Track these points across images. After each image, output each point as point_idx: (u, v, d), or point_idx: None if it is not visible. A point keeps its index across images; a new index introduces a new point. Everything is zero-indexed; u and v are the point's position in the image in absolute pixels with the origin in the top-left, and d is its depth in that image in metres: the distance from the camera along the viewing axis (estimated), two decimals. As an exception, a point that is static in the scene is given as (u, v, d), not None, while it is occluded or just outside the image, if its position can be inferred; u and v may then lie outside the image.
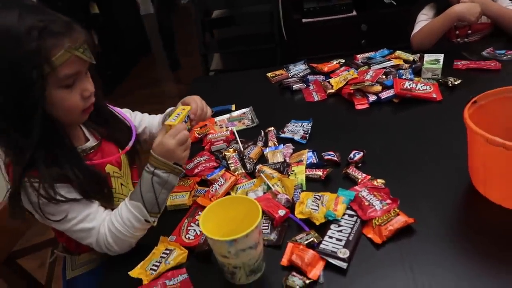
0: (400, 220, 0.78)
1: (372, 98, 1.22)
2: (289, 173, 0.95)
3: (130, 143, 0.93)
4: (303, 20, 2.38)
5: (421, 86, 1.20)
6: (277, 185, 0.91)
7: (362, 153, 0.98)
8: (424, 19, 1.56)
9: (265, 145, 1.10)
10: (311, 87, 1.36)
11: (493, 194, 0.80)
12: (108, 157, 0.90)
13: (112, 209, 0.84)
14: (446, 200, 0.84)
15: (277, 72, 1.52)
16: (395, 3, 2.34)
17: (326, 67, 1.44)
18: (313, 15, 2.35)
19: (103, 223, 0.81)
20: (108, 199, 0.86)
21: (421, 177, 0.92)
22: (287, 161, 1.01)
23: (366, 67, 1.39)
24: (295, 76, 1.45)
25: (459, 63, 1.35)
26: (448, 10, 1.42)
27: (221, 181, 0.95)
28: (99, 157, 0.90)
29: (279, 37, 2.52)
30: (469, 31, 1.54)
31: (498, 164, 0.75)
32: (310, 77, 1.41)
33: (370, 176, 0.91)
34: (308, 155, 1.01)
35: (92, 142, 0.90)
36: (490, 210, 0.80)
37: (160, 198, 0.81)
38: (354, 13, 2.36)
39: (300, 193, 0.89)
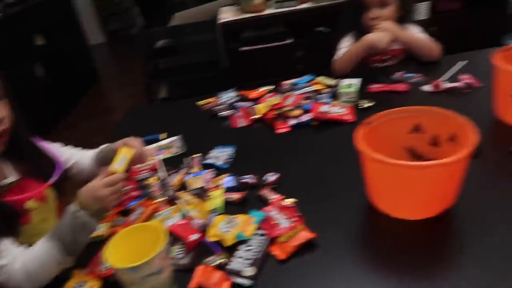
0: (303, 235, 0.83)
1: (292, 122, 1.30)
2: (207, 198, 1.00)
3: (53, 178, 0.94)
4: (242, 48, 2.49)
5: (337, 109, 1.30)
6: (193, 211, 0.94)
7: (277, 175, 1.04)
8: (345, 46, 1.68)
9: (189, 171, 1.14)
10: (238, 114, 1.42)
11: (384, 206, 0.88)
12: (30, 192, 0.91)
13: (30, 245, 0.84)
14: (349, 215, 0.91)
15: (210, 100, 1.58)
16: (326, 31, 2.50)
17: (253, 94, 1.52)
18: (251, 43, 2.46)
19: (16, 260, 0.80)
20: (20, 236, 0.86)
21: (329, 195, 0.98)
22: (207, 186, 1.05)
23: (291, 92, 1.48)
24: (224, 103, 1.51)
25: (373, 86, 1.46)
26: (362, 39, 1.55)
27: (140, 210, 0.98)
28: (19, 193, 0.90)
29: (220, 65, 2.61)
30: (386, 57, 1.68)
31: (383, 179, 0.84)
32: (238, 104, 1.48)
33: (283, 196, 0.97)
34: (227, 180, 1.05)
35: (12, 178, 0.91)
36: (385, 221, 0.87)
37: (79, 240, 0.82)
38: (290, 40, 2.49)
39: (215, 217, 0.93)
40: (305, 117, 1.29)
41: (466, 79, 1.36)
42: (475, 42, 1.24)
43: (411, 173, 0.78)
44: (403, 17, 1.62)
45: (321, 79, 1.54)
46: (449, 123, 0.87)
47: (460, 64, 1.47)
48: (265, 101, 1.43)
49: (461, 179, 0.84)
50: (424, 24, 2.43)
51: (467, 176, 0.85)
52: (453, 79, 1.40)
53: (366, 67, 1.66)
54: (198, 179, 1.07)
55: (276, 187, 1.02)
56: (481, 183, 0.94)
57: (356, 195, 0.95)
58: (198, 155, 1.21)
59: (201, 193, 1.01)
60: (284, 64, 2.52)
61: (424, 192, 0.81)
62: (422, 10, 2.40)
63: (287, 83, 1.57)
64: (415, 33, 1.63)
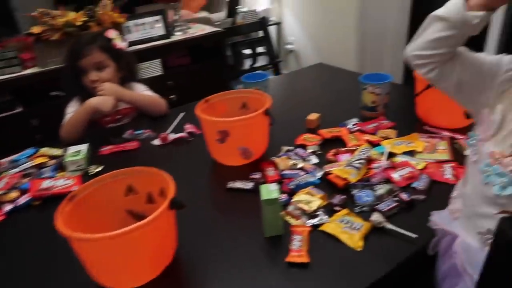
0: None
1: (8, 207, 1.11)
2: None
3: None
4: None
5: (62, 182, 1.19)
6: None
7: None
8: (71, 111, 1.60)
9: None
10: None
11: (107, 281, 0.83)
12: None
13: None
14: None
15: None
16: (62, 95, 2.34)
17: (-44, 183, 1.24)
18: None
19: None
20: None
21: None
22: None
23: (7, 173, 1.28)
24: None
25: (104, 148, 1.42)
26: (84, 103, 1.51)
27: None
28: None
29: None
30: (118, 116, 1.68)
31: (94, 255, 0.79)
32: None
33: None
34: None
35: None
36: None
37: None
38: (20, 109, 2.22)
39: None
40: (23, 199, 1.13)
41: (189, 128, 1.49)
42: (209, 91, 1.37)
43: (117, 241, 0.76)
44: (126, 77, 1.66)
45: (45, 150, 1.40)
46: (156, 180, 0.90)
47: (181, 115, 1.61)
48: (-27, 189, 1.19)
49: (173, 229, 0.88)
50: (161, 79, 2.62)
51: (192, 218, 0.90)
52: (178, 130, 1.51)
53: (99, 129, 1.61)
54: None
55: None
56: (203, 222, 1.01)
57: (82, 279, 0.86)
58: None
59: None
60: (19, 137, 2.20)
61: (142, 253, 0.80)
62: (156, 67, 2.57)
63: (4, 161, 1.36)
64: (141, 91, 1.69)
